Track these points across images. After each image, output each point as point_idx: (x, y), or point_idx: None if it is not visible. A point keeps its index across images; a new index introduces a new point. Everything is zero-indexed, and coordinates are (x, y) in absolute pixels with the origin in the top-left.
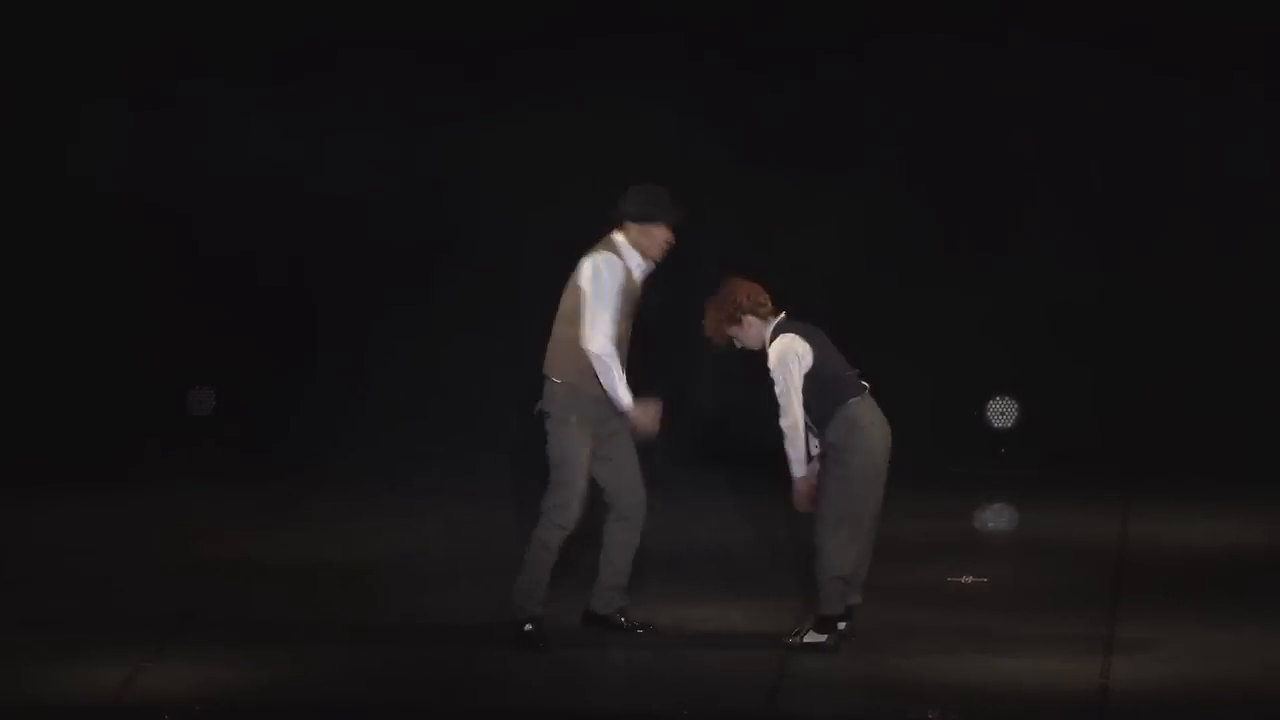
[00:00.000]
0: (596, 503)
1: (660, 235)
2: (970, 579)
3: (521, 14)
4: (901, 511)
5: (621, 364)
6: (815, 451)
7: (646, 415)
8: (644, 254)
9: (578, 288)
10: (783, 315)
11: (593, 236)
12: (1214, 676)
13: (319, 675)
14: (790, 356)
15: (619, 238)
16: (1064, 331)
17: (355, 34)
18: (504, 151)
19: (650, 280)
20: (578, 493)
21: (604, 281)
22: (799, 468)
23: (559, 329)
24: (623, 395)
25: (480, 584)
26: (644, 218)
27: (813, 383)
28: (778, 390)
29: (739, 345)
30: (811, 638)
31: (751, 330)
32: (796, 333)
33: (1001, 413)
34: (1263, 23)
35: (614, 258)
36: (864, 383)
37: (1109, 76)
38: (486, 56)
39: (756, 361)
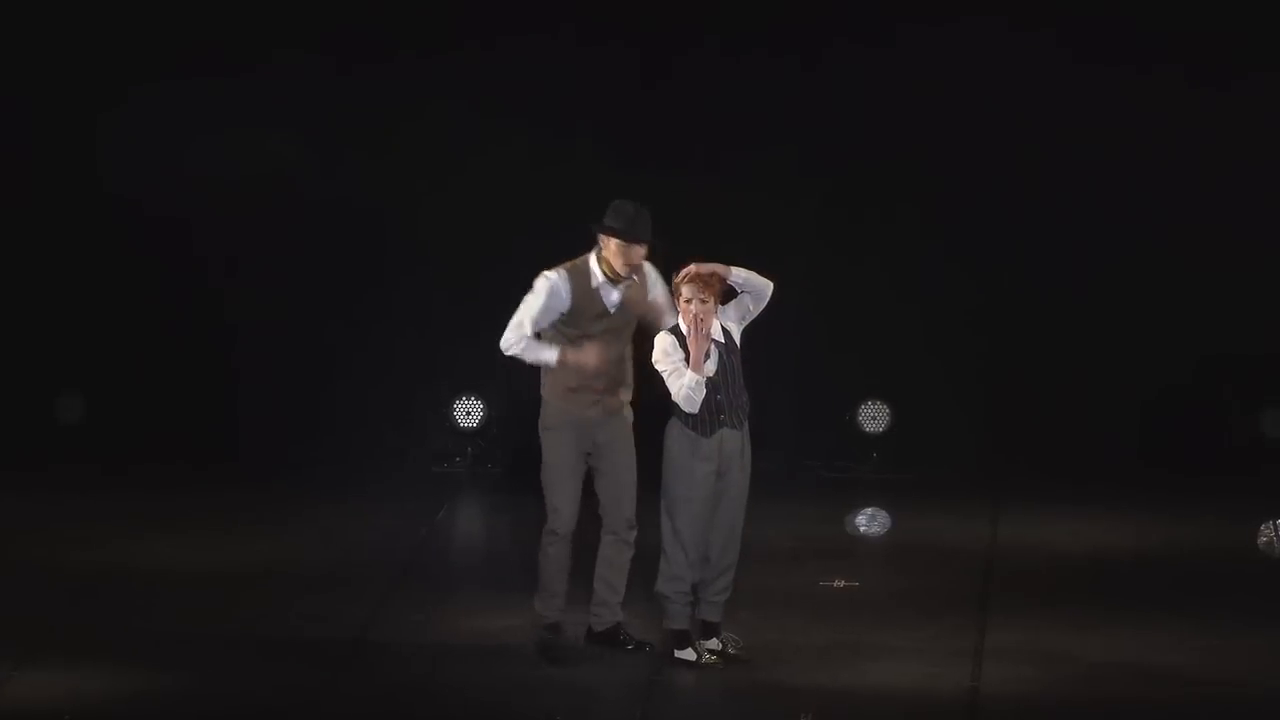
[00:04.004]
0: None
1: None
2: (842, 583)
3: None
4: (773, 516)
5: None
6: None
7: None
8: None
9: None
10: None
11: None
12: (1084, 679)
13: (186, 685)
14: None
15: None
16: (936, 336)
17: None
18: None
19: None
20: (565, 498)
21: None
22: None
23: None
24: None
25: (352, 594)
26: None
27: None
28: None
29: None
30: (678, 654)
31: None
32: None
33: (873, 417)
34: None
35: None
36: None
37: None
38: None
39: None
